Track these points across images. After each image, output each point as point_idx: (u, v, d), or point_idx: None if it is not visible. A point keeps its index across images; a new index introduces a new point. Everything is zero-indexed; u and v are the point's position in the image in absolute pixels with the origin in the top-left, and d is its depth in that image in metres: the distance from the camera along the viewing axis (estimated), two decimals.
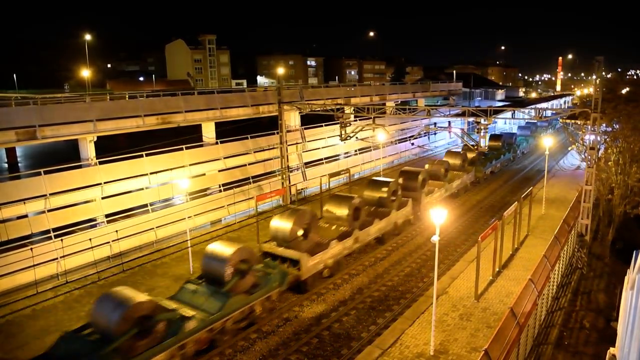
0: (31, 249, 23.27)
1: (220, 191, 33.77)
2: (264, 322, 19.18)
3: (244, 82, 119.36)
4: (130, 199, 28.64)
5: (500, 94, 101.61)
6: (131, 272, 24.84)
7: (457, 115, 40.63)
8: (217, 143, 34.53)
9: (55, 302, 21.59)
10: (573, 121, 32.68)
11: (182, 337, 15.46)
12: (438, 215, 15.02)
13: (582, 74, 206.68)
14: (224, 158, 34.43)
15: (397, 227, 28.80)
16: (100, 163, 27.74)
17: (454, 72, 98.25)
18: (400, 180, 31.14)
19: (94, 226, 26.86)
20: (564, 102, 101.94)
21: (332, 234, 24.20)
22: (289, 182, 35.87)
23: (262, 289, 18.67)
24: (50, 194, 25.04)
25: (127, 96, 32.32)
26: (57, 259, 24.20)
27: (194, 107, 33.10)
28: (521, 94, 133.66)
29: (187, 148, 31.97)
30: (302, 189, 38.84)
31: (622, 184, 27.78)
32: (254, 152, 36.61)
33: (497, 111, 32.77)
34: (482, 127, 38.81)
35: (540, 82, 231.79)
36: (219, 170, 34.17)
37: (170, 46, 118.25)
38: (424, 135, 58.99)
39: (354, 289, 22.27)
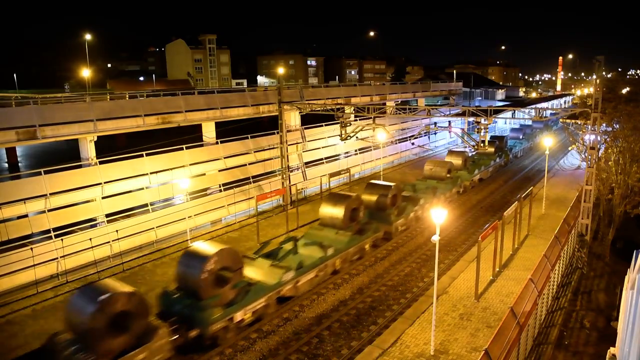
0: (31, 248, 23.28)
1: (220, 191, 33.77)
2: (270, 317, 19.22)
3: (244, 81, 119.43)
4: (131, 199, 28.65)
5: (500, 93, 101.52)
6: (131, 271, 24.86)
7: (458, 115, 40.60)
8: (217, 143, 34.54)
9: (55, 301, 21.60)
10: (573, 121, 32.69)
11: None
12: (438, 215, 15.01)
13: (583, 74, 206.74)
14: (224, 158, 34.43)
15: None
16: (101, 163, 27.75)
17: (454, 71, 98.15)
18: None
19: (94, 226, 26.87)
20: (564, 102, 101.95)
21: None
22: (289, 182, 35.86)
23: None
24: (51, 194, 25.04)
25: (127, 96, 32.35)
26: (57, 258, 24.21)
27: (194, 107, 33.09)
28: (521, 93, 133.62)
29: (187, 148, 31.98)
30: (302, 188, 38.84)
31: (622, 183, 27.79)
32: (254, 151, 36.62)
33: (498, 111, 32.75)
34: (482, 127, 38.79)
35: (540, 82, 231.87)
36: (219, 170, 34.17)
37: (171, 46, 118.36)
38: (424, 135, 58.97)
39: (354, 289, 22.28)
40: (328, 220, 25.31)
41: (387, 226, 27.98)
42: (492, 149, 45.39)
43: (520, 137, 60.10)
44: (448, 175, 36.89)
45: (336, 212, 25.03)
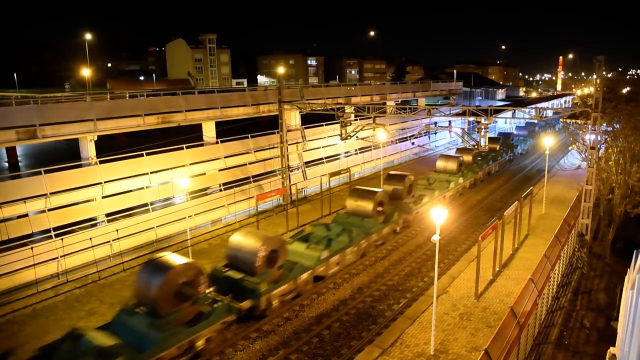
0: (32, 248, 23.29)
1: (220, 190, 33.78)
2: (265, 321, 19.22)
3: (245, 81, 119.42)
4: (131, 198, 28.65)
5: (500, 93, 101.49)
6: (131, 271, 24.86)
7: (458, 114, 40.66)
8: (217, 142, 34.54)
9: (55, 301, 21.62)
10: (573, 121, 32.68)
11: None
12: (438, 214, 15.00)
13: (583, 74, 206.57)
14: (225, 157, 34.44)
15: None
16: (101, 162, 27.76)
17: (455, 71, 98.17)
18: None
19: (95, 225, 26.88)
20: (565, 102, 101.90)
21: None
22: (289, 182, 35.87)
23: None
24: (51, 193, 25.05)
25: (127, 95, 32.37)
26: (57, 258, 24.22)
27: (194, 107, 33.10)
28: (522, 93, 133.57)
29: (187, 147, 31.98)
30: (302, 188, 38.85)
31: (622, 183, 27.77)
32: (255, 151, 36.63)
33: (498, 111, 32.76)
34: (482, 127, 38.81)
35: (540, 82, 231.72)
36: (220, 170, 34.18)
37: (171, 46, 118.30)
38: (425, 135, 58.99)
39: (354, 289, 22.28)
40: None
41: (253, 300, 18.62)
42: (454, 165, 37.29)
43: (498, 148, 49.22)
44: (379, 209, 27.15)
45: (151, 291, 15.80)
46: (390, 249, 27.22)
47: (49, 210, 25.00)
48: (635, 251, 14.92)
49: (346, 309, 20.34)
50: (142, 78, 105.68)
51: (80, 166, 27.48)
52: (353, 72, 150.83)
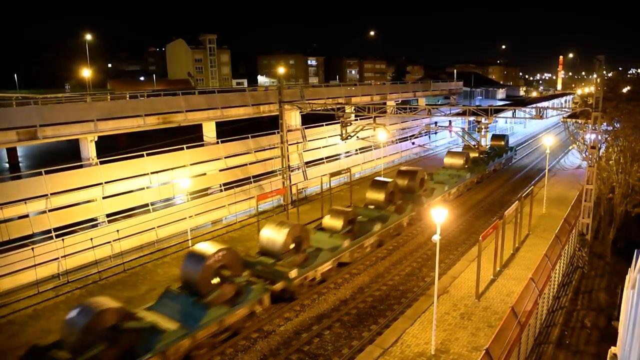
0: (32, 248, 23.31)
1: (221, 191, 33.78)
2: (265, 321, 19.23)
3: (245, 81, 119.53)
4: (131, 199, 28.65)
5: (501, 93, 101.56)
6: (132, 271, 24.88)
7: (458, 114, 40.64)
8: (218, 143, 34.55)
9: (56, 301, 21.63)
10: (574, 120, 32.64)
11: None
12: (439, 214, 15.01)
13: (583, 73, 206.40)
14: (225, 157, 34.45)
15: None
16: (101, 163, 27.76)
17: (455, 71, 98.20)
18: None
19: (95, 226, 26.89)
20: (565, 101, 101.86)
21: None
22: (290, 182, 35.87)
23: None
24: (51, 194, 25.05)
25: (127, 96, 32.35)
26: (58, 258, 24.23)
27: (194, 107, 33.10)
28: (522, 93, 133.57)
29: (188, 148, 31.99)
30: (302, 188, 38.85)
31: (623, 182, 27.76)
32: (255, 151, 36.63)
33: (498, 110, 32.75)
34: (482, 127, 38.77)
35: (541, 81, 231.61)
36: (220, 170, 34.19)
37: (171, 46, 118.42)
38: (425, 135, 58.97)
39: (355, 289, 22.29)
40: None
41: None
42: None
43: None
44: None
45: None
46: (391, 249, 27.24)
47: (50, 210, 25.00)
48: (635, 251, 14.92)
49: (347, 308, 20.35)
50: (142, 78, 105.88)
51: (80, 167, 27.48)
52: (353, 72, 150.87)
